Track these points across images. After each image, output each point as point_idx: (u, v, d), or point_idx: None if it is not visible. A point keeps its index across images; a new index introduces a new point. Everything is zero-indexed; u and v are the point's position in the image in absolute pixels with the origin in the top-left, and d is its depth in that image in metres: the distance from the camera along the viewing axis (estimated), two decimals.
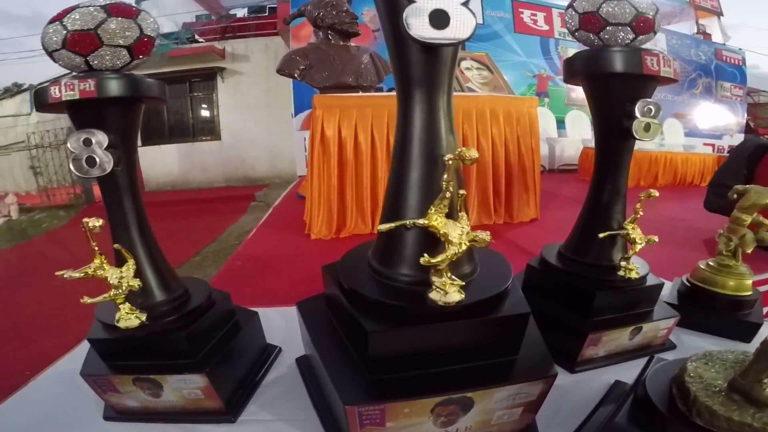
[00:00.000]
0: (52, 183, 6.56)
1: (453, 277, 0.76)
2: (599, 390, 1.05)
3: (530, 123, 3.49)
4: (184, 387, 0.94)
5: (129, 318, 0.93)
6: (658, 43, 8.92)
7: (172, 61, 7.04)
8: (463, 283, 0.76)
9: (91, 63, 0.83)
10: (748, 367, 0.69)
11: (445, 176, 0.71)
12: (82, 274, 0.89)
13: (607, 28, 1.03)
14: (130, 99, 0.90)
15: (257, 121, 8.10)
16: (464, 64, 3.75)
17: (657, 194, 1.16)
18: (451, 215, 0.76)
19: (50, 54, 0.79)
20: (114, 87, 0.85)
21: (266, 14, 8.70)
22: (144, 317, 0.95)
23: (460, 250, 0.73)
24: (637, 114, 1.08)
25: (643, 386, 0.77)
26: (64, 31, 0.76)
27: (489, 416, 0.81)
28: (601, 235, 1.17)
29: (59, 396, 1.06)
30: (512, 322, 0.79)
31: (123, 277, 0.92)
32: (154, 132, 7.79)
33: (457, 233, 0.74)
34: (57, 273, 0.90)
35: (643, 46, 1.09)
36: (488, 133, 3.46)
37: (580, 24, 1.07)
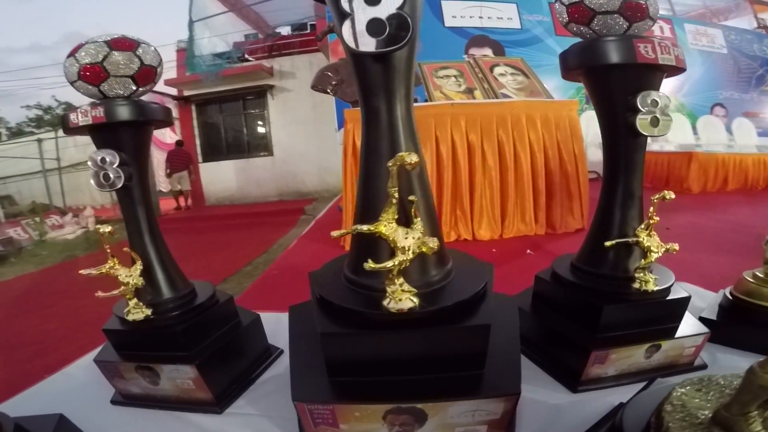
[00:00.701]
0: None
1: (405, 284, 0.75)
2: (599, 413, 0.95)
3: (571, 127, 3.28)
4: (177, 377, 1.03)
5: (136, 312, 1.06)
6: (715, 39, 7.96)
7: (226, 80, 7.71)
8: (415, 291, 0.75)
9: (103, 91, 0.97)
10: (733, 398, 0.59)
11: (389, 182, 0.72)
12: (99, 272, 1.04)
13: (597, 17, 0.97)
14: (137, 122, 1.05)
15: (306, 137, 8.55)
16: (498, 70, 3.66)
17: (673, 196, 1.03)
18: (405, 222, 0.76)
19: (71, 84, 0.95)
20: (121, 112, 0.99)
21: (308, 31, 9.15)
22: (149, 312, 1.07)
23: (408, 257, 0.73)
24: (640, 107, 0.99)
25: (621, 414, 0.69)
26: (78, 65, 0.92)
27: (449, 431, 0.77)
28: (607, 244, 1.07)
29: (82, 382, 1.22)
30: (469, 334, 0.76)
31: (131, 275, 1.05)
32: (213, 149, 8.59)
33: (407, 240, 0.73)
34: (80, 271, 1.07)
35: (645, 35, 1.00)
36: (525, 139, 3.31)
37: (569, 16, 1.02)
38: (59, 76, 1.03)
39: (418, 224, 0.76)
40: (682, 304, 1.09)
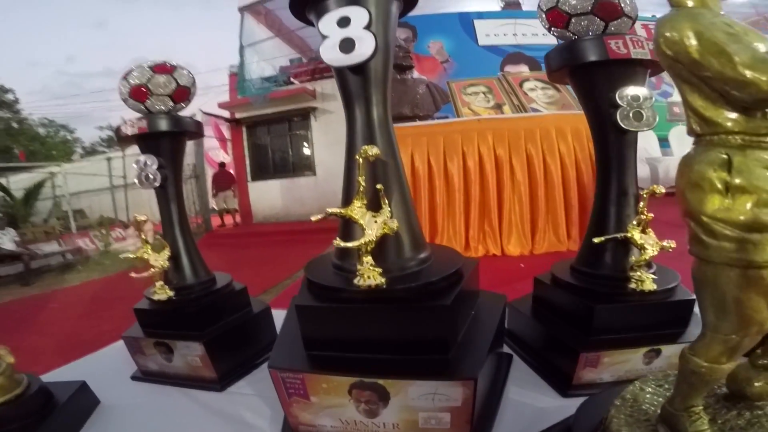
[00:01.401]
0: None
1: (373, 264, 0.84)
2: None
3: None
4: (188, 354, 1.19)
5: (161, 293, 1.24)
6: None
7: (273, 102, 8.23)
8: (380, 270, 0.84)
9: (147, 107, 1.21)
10: (673, 390, 0.59)
11: (358, 172, 0.83)
12: (134, 256, 1.24)
13: (573, 20, 1.04)
14: (173, 133, 1.27)
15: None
16: (528, 85, 3.69)
17: (663, 190, 1.03)
18: (375, 207, 0.86)
19: (124, 101, 1.19)
20: (161, 124, 1.22)
21: None
22: (172, 294, 1.25)
23: (372, 238, 0.82)
24: (618, 102, 1.03)
25: (577, 411, 0.71)
26: (128, 85, 1.16)
27: (413, 416, 0.82)
28: (595, 240, 1.08)
29: (111, 362, 1.42)
30: (429, 314, 0.82)
31: (159, 259, 1.24)
32: (261, 169, 9.21)
33: (373, 222, 0.83)
34: (121, 256, 1.28)
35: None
36: (555, 152, 3.26)
37: (548, 21, 1.10)
38: None
39: (386, 210, 0.85)
40: (686, 306, 1.04)
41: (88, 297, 4.04)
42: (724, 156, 0.49)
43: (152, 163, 1.25)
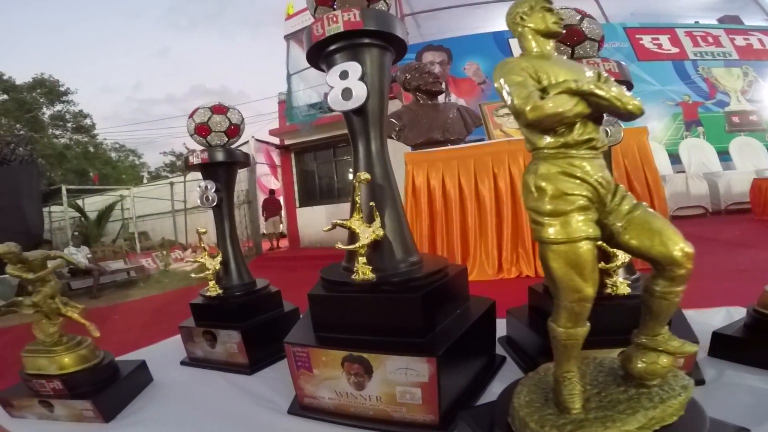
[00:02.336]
0: (241, 236, 9.15)
1: (366, 263, 1.12)
2: None
3: (641, 155, 3.20)
4: (228, 341, 1.52)
5: (212, 290, 1.61)
6: None
7: (319, 129, 8.83)
8: (370, 267, 1.11)
9: (208, 141, 1.62)
10: (555, 360, 0.78)
11: (355, 192, 1.13)
12: (194, 260, 1.64)
13: None
14: (227, 163, 1.68)
15: None
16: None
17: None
18: (370, 220, 1.15)
19: (191, 136, 1.62)
20: (218, 156, 1.63)
21: None
22: (221, 292, 1.61)
23: (365, 242, 1.10)
24: None
25: (508, 386, 0.89)
26: (194, 124, 1.59)
27: (392, 389, 1.04)
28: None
29: (169, 350, 1.79)
30: (403, 303, 1.06)
31: (213, 263, 1.61)
32: (308, 194, 9.89)
33: (365, 231, 1.12)
34: (186, 260, 1.69)
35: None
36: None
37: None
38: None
39: (377, 221, 1.14)
40: None
41: (148, 312, 4.64)
42: (536, 165, 0.73)
43: (211, 187, 1.65)
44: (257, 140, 8.89)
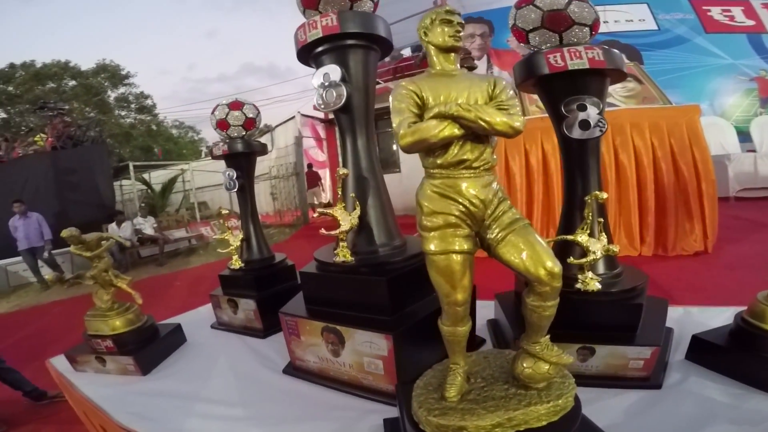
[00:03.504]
0: (283, 207, 9.80)
1: (346, 247, 1.28)
2: None
3: (691, 135, 2.95)
4: (246, 308, 1.80)
5: (236, 264, 1.89)
6: None
7: None
8: (350, 251, 1.27)
9: (229, 134, 1.85)
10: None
11: (338, 184, 1.27)
12: (221, 236, 1.90)
13: (529, 35, 1.23)
14: (246, 153, 1.90)
15: None
16: None
17: (605, 196, 1.17)
18: (352, 209, 1.30)
19: (214, 129, 1.85)
20: (237, 147, 1.85)
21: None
22: (242, 265, 1.88)
23: (346, 229, 1.26)
24: (564, 112, 1.20)
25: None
26: (215, 120, 1.82)
27: (360, 359, 1.21)
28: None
29: (201, 317, 2.12)
30: (371, 285, 1.21)
31: (236, 241, 1.88)
32: None
33: (347, 219, 1.27)
34: (214, 237, 1.96)
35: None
36: (629, 149, 3.13)
37: (515, 38, 1.30)
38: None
39: (357, 210, 1.29)
40: (632, 311, 1.15)
41: (204, 277, 5.20)
42: (421, 183, 0.83)
43: (233, 174, 1.89)
44: (303, 115, 9.24)
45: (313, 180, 9.35)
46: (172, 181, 11.35)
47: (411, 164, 9.88)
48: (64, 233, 1.42)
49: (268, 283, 1.87)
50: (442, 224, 0.79)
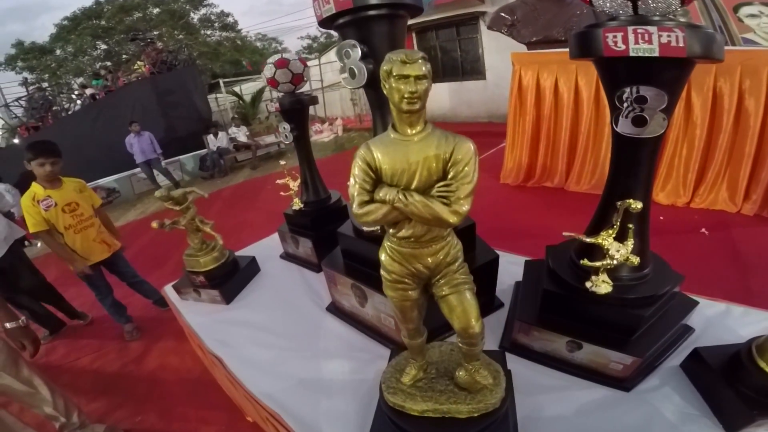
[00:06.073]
0: (362, 111, 9.96)
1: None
2: None
3: None
4: (305, 245, 2.15)
5: (296, 206, 2.18)
6: None
7: (439, 8, 8.36)
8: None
9: (280, 90, 1.98)
10: None
11: None
12: (283, 182, 2.18)
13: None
14: (296, 108, 2.03)
15: None
16: (747, 10, 2.62)
17: (640, 206, 1.04)
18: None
19: (268, 85, 1.98)
20: (288, 102, 1.98)
21: None
22: (302, 206, 2.18)
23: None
24: (617, 103, 1.03)
25: None
26: (265, 78, 1.94)
27: (378, 314, 1.47)
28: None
29: (269, 246, 2.51)
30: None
31: (294, 184, 2.14)
32: (432, 72, 9.78)
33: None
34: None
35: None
36: (761, 96, 2.51)
37: None
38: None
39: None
40: (630, 320, 1.14)
41: (294, 177, 5.82)
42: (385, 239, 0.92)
43: (287, 128, 2.07)
44: None
45: None
46: (260, 92, 12.22)
47: (498, 71, 8.99)
48: (157, 194, 1.80)
49: (322, 223, 2.15)
50: (395, 279, 0.91)
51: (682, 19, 0.99)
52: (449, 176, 0.76)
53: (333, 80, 11.93)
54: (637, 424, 1.04)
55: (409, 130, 0.78)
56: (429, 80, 0.75)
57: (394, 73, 0.73)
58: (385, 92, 0.78)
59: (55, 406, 1.86)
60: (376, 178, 0.80)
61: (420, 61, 0.73)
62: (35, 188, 2.43)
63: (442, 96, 10.14)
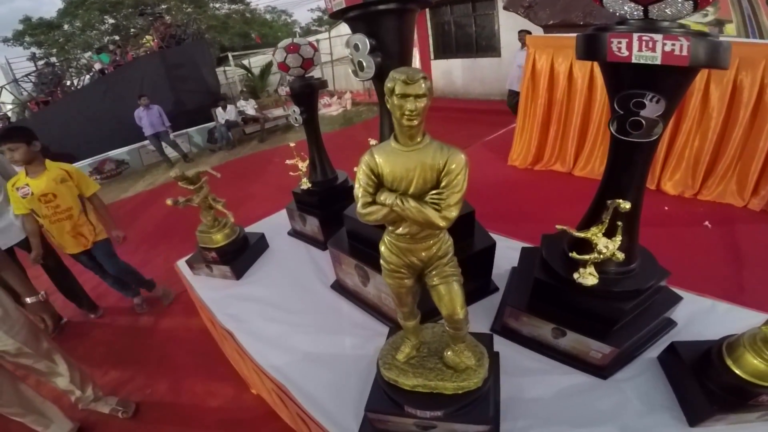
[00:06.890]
0: (371, 85, 9.76)
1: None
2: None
3: None
4: (313, 224, 2.24)
5: (304, 185, 2.25)
6: None
7: None
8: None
9: (290, 74, 2.02)
10: None
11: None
12: (293, 162, 2.25)
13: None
14: (307, 92, 2.07)
15: None
16: None
17: (629, 206, 1.08)
18: None
19: (279, 71, 2.02)
20: (299, 86, 2.01)
21: None
22: (310, 185, 2.24)
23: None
24: (617, 108, 1.05)
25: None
26: (276, 62, 1.98)
27: (379, 294, 1.56)
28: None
29: (276, 223, 2.58)
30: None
31: (303, 165, 2.20)
32: (444, 47, 9.56)
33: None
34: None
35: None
36: None
37: None
38: None
39: None
40: (611, 312, 1.20)
41: (301, 149, 5.90)
42: (385, 233, 1.01)
43: (297, 110, 2.11)
44: None
45: None
46: (269, 65, 12.06)
47: (513, 49, 8.71)
48: (172, 174, 1.87)
49: (328, 202, 2.23)
50: (392, 269, 1.00)
51: (711, 17, 0.97)
52: (441, 185, 0.83)
53: (343, 53, 11.76)
54: (609, 410, 1.12)
55: (409, 142, 0.85)
56: (428, 97, 0.81)
57: (397, 92, 0.78)
58: (388, 106, 0.83)
59: (71, 379, 1.97)
60: (378, 182, 0.88)
61: (420, 81, 0.78)
62: (20, 173, 2.47)
63: (455, 72, 9.94)
